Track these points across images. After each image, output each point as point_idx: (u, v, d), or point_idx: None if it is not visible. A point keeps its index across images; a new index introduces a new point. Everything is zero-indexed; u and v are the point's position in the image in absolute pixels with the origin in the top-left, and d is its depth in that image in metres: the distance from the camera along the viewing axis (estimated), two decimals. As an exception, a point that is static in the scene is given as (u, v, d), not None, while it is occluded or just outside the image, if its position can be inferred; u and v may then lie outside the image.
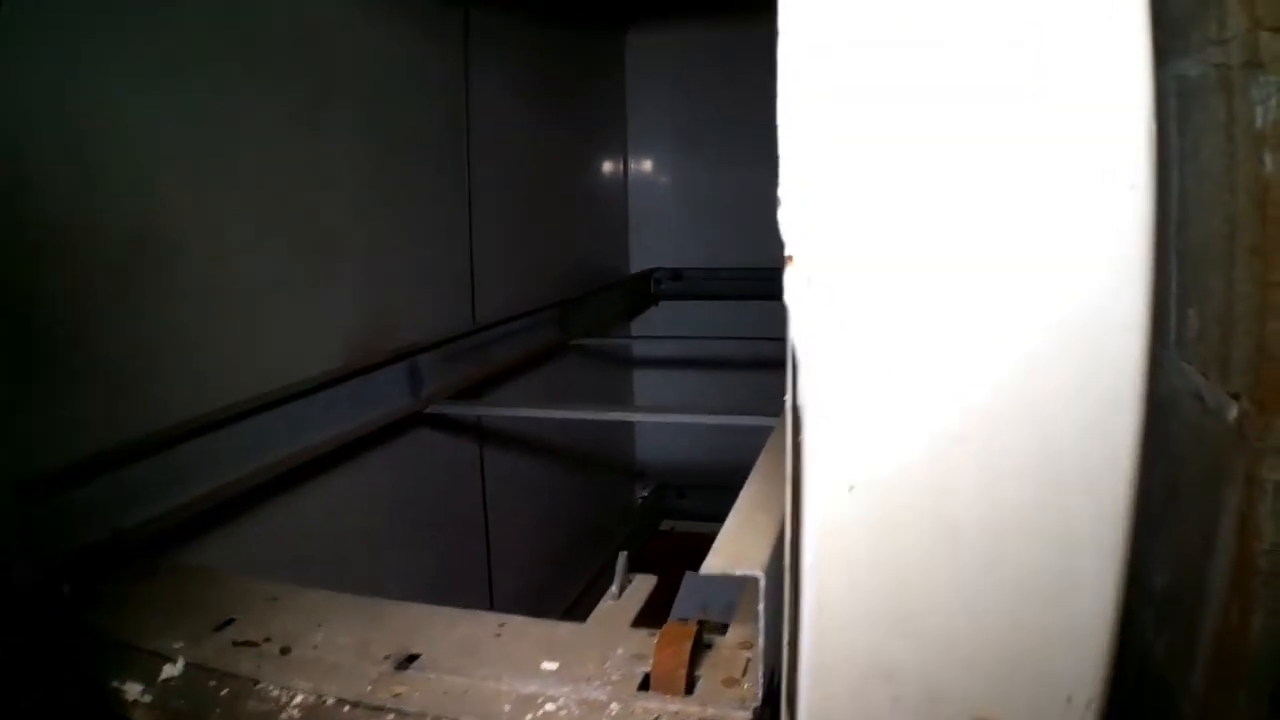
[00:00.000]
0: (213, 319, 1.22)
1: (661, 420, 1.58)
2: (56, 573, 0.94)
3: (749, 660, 0.79)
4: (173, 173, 1.16)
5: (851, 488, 0.52)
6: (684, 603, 2.81)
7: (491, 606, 2.07)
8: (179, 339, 1.17)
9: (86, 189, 1.04)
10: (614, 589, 0.91)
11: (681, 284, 2.99)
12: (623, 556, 0.91)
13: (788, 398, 0.53)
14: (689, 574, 2.65)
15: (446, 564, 1.87)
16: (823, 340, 0.51)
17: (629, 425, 3.13)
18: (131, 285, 1.10)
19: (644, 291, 2.98)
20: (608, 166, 2.89)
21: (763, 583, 0.67)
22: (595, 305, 2.56)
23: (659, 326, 3.02)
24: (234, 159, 1.26)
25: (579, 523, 2.66)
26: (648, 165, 3.01)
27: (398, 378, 1.63)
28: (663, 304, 3.04)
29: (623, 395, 3.11)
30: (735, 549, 0.72)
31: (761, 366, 2.96)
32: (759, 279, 2.85)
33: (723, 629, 0.83)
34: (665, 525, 3.18)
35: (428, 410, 1.69)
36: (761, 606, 0.68)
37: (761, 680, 0.72)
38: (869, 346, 0.51)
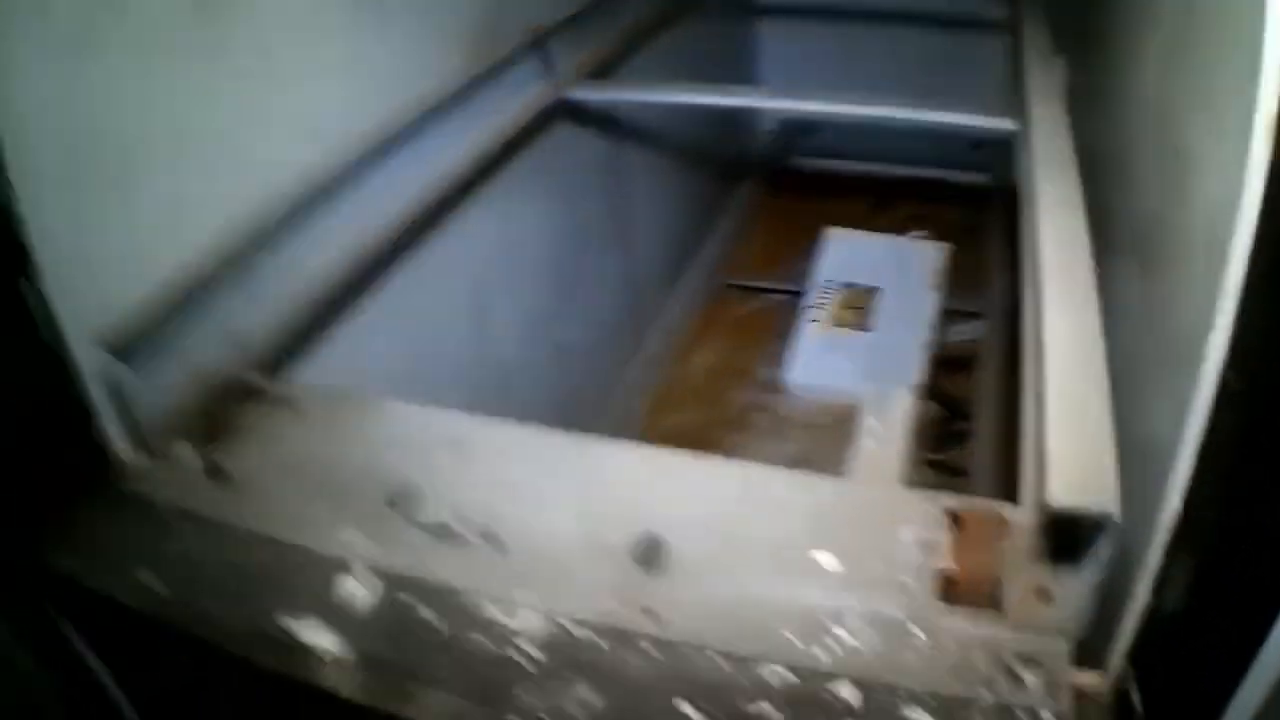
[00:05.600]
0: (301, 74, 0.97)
1: (796, 108, 1.31)
2: (163, 434, 0.70)
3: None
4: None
5: None
6: (828, 270, 2.59)
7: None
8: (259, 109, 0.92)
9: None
10: (872, 421, 0.74)
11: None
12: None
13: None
14: (831, 232, 2.46)
15: (579, 230, 1.75)
16: None
17: (751, 56, 2.82)
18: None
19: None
20: None
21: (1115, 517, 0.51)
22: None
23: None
24: None
25: (708, 164, 2.49)
26: None
27: (530, 67, 1.40)
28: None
29: (746, 46, 2.80)
30: (1079, 467, 0.54)
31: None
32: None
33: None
34: (794, 162, 2.97)
35: (564, 96, 1.48)
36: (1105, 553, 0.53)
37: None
38: None
